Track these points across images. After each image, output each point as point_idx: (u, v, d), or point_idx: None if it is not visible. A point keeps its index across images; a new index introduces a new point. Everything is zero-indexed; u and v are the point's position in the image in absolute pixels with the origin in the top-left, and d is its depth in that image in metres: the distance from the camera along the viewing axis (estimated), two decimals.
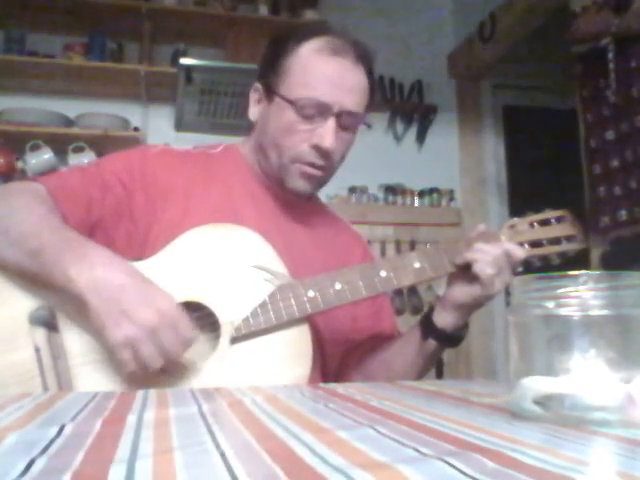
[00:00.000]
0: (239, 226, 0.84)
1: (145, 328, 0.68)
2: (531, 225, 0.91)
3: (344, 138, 0.92)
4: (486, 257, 0.83)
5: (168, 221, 0.87)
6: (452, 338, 0.90)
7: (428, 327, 0.90)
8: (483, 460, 0.31)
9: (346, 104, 0.89)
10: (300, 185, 0.92)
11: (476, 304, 0.88)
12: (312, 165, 0.90)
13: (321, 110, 0.88)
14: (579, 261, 0.86)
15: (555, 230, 0.91)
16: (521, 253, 0.85)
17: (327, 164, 0.91)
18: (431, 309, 0.91)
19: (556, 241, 0.91)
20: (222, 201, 0.92)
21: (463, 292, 0.86)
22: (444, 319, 0.89)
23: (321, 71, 0.88)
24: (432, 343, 0.90)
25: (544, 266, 0.91)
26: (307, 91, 0.88)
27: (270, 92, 0.92)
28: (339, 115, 0.88)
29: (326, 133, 0.88)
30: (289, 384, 0.77)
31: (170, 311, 0.70)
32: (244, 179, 0.97)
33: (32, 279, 0.75)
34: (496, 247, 0.84)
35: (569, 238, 0.91)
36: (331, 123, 0.88)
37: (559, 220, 0.92)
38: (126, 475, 0.28)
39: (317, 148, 0.89)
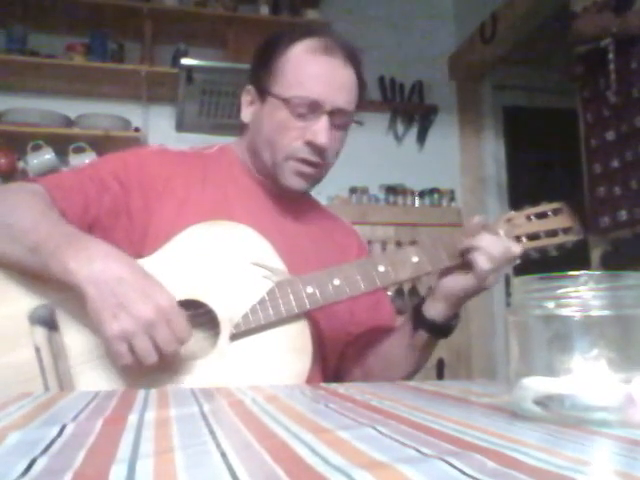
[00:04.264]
0: (236, 223, 0.85)
1: (142, 322, 0.68)
2: (528, 218, 0.91)
3: (337, 136, 0.93)
4: (488, 249, 0.83)
5: (165, 219, 0.87)
6: (442, 328, 0.90)
7: (418, 318, 0.90)
8: (483, 460, 0.31)
9: (338, 102, 0.90)
10: (294, 182, 0.93)
11: (466, 296, 0.88)
12: (305, 162, 0.92)
13: (314, 108, 0.89)
14: (578, 260, 0.86)
15: (552, 222, 0.91)
16: (518, 250, 0.85)
17: (320, 161, 0.92)
18: (421, 300, 0.92)
19: (553, 233, 0.91)
20: (217, 200, 0.92)
21: (456, 282, 0.86)
22: (434, 309, 0.89)
23: (313, 70, 0.91)
24: (423, 334, 0.90)
25: (542, 258, 0.92)
26: (300, 89, 0.89)
27: (263, 93, 0.94)
28: (331, 113, 0.90)
29: (320, 130, 0.89)
30: (289, 380, 0.77)
31: (168, 307, 0.70)
32: (239, 178, 0.98)
33: (34, 275, 0.75)
34: (498, 242, 0.84)
35: (566, 230, 0.91)
36: (324, 120, 0.89)
37: (556, 212, 0.92)
38: (127, 475, 0.28)
39: (311, 144, 0.90)
